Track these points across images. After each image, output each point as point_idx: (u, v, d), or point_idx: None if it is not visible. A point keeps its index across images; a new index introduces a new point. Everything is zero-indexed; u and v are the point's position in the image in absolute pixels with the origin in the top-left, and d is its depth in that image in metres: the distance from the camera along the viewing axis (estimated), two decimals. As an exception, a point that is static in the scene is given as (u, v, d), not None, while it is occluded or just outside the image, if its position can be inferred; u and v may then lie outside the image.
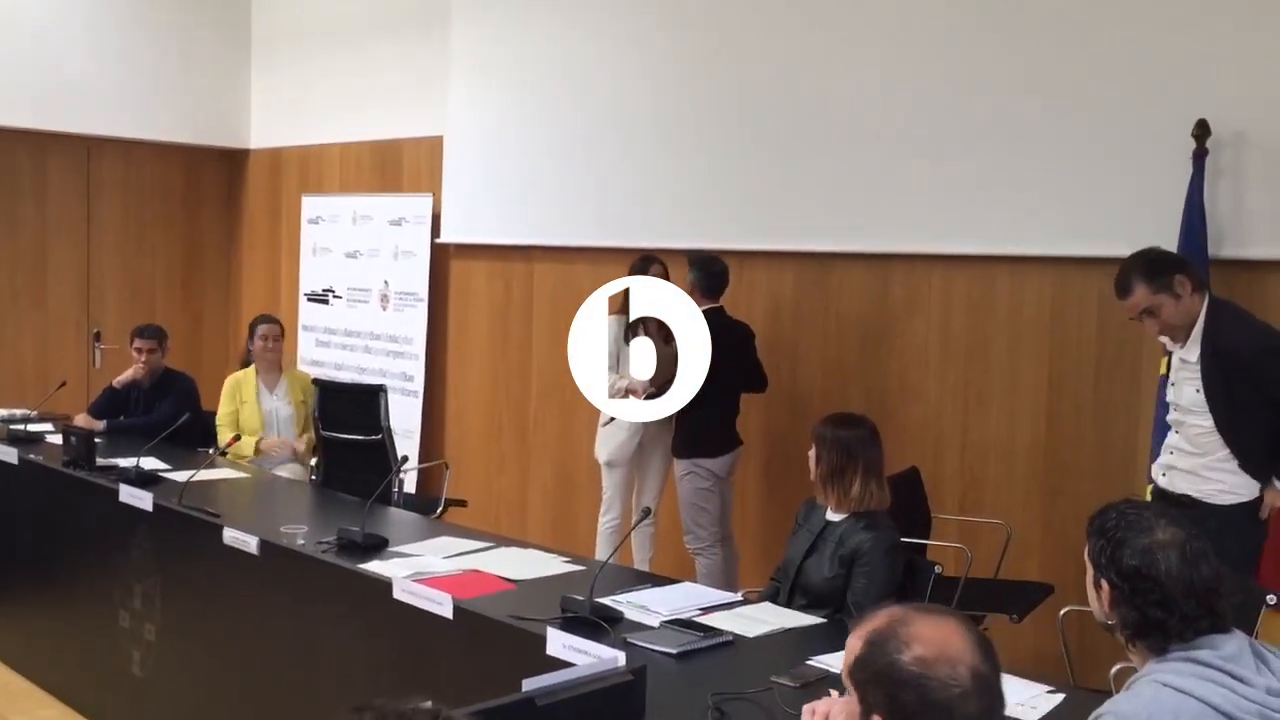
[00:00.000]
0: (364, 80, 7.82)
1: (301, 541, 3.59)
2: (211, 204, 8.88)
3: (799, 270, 5.60)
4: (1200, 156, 4.30)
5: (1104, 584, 2.03)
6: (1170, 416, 3.78)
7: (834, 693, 1.99)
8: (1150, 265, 3.61)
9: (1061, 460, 4.83)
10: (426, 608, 2.97)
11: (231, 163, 8.88)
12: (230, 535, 3.61)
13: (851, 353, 5.42)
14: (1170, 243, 4.28)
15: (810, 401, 5.52)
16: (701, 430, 5.15)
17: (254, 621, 3.60)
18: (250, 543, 3.54)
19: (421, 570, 3.45)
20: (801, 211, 5.51)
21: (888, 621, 1.62)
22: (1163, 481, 3.76)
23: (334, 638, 3.32)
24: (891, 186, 5.19)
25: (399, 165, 7.72)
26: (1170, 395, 3.75)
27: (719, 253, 5.35)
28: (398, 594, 3.05)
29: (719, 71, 5.82)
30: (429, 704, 1.42)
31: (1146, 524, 2.02)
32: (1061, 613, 3.70)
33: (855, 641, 1.64)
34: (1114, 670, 3.07)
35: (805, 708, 1.82)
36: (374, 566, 3.44)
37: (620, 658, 2.50)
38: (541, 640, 2.71)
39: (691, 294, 5.19)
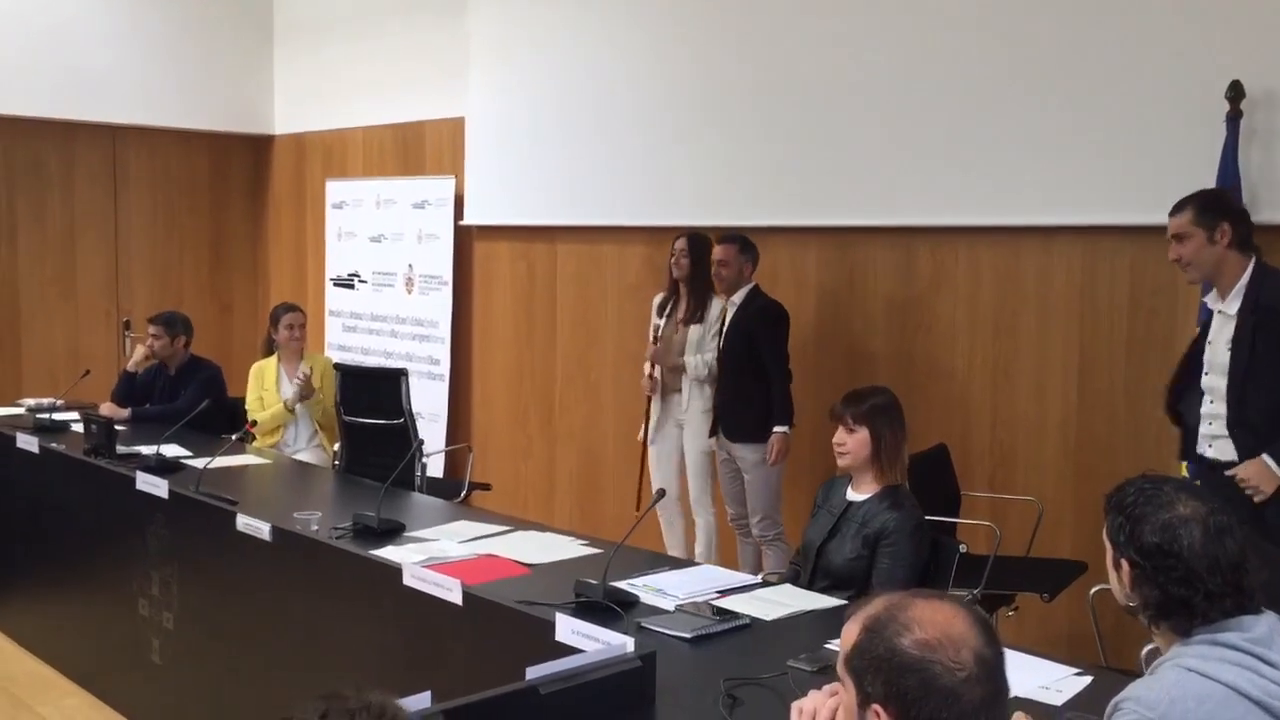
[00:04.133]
0: (385, 63, 7.78)
1: (315, 528, 3.55)
2: (237, 190, 8.88)
3: (821, 246, 5.49)
4: (1234, 119, 4.15)
5: (1124, 563, 1.94)
6: (1205, 381, 3.67)
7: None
8: (1207, 200, 3.66)
9: (1094, 436, 4.71)
10: (436, 594, 2.92)
11: (256, 149, 8.88)
12: (243, 522, 3.58)
13: (877, 329, 5.31)
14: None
15: (835, 380, 5.41)
16: (790, 404, 5.03)
17: (268, 608, 3.57)
18: (263, 529, 3.50)
19: (435, 555, 3.41)
20: (823, 186, 5.40)
21: (885, 607, 1.54)
22: (1211, 453, 3.62)
23: (346, 624, 3.28)
24: (915, 158, 5.07)
25: (421, 148, 7.67)
26: (1206, 355, 3.66)
27: (742, 229, 5.26)
28: (408, 580, 3.01)
29: (738, 46, 5.72)
30: (378, 698, 1.42)
31: (1166, 499, 1.92)
32: (1092, 591, 3.60)
33: (852, 629, 1.56)
34: (1144, 651, 2.97)
35: (793, 706, 1.74)
36: (387, 552, 3.40)
37: (629, 644, 2.44)
38: (551, 626, 2.65)
39: (746, 274, 5.09)
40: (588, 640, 2.55)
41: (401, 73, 7.68)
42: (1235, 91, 4.15)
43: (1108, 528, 1.97)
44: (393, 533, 3.70)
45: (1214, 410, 3.62)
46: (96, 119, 8.03)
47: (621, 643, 2.45)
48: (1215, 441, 3.62)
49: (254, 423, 5.24)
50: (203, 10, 8.42)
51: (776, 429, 4.93)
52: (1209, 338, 3.68)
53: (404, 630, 3.08)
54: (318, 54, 8.35)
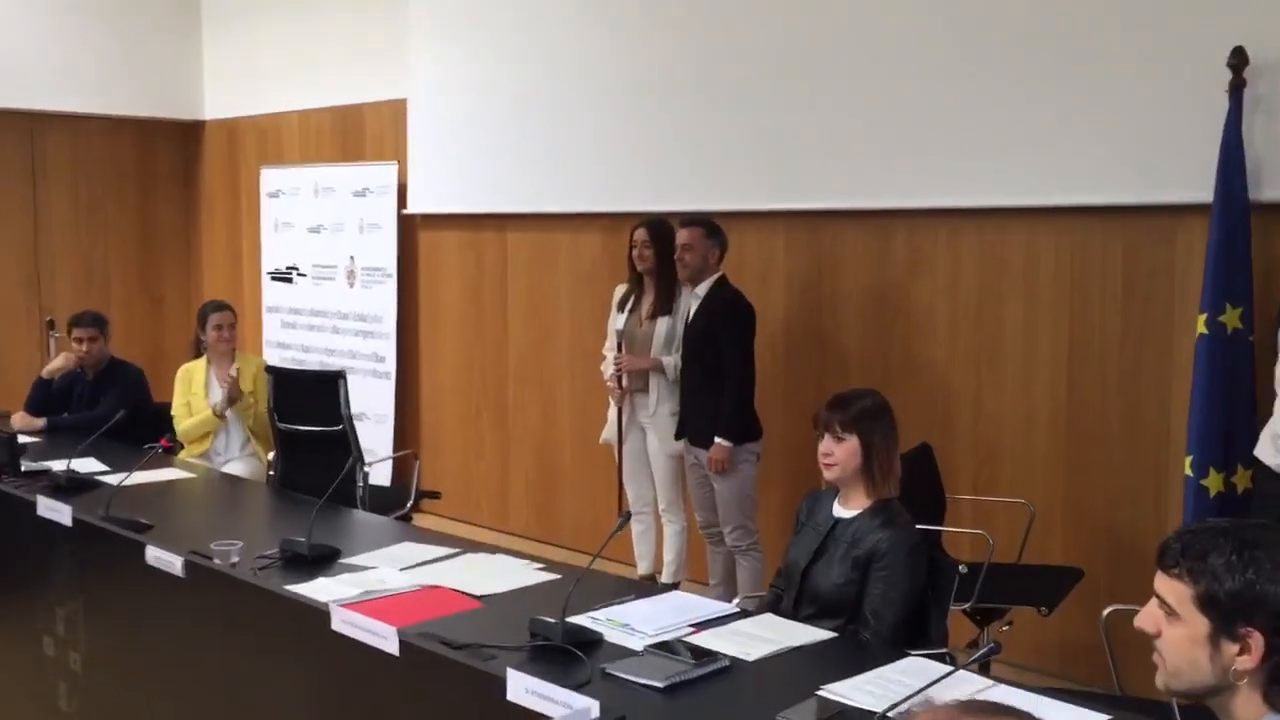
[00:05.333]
0: (321, 42, 7.34)
1: (235, 560, 3.14)
2: (166, 180, 8.41)
3: (790, 231, 5.14)
4: (1238, 89, 3.85)
5: (1252, 633, 1.57)
6: None
7: None
8: None
9: (1085, 431, 4.40)
10: (369, 642, 2.53)
11: (186, 135, 8.40)
12: (153, 555, 3.16)
13: (850, 320, 4.97)
14: (1206, 186, 3.86)
15: (806, 375, 5.08)
16: (749, 410, 4.66)
17: (183, 652, 3.16)
18: (175, 564, 3.09)
19: (372, 589, 3.05)
20: (791, 167, 5.05)
21: None
22: None
23: (270, 672, 2.88)
24: (890, 135, 4.73)
25: (361, 132, 7.25)
26: None
27: (703, 214, 4.89)
28: (336, 625, 2.62)
29: (695, 19, 5.35)
30: None
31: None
32: (1105, 612, 3.27)
33: None
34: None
35: None
36: (317, 586, 3.02)
37: (594, 708, 2.07)
38: (502, 682, 2.27)
39: (711, 261, 4.70)
40: (545, 702, 2.17)
41: (338, 52, 7.24)
42: (1238, 59, 3.85)
43: (1201, 595, 1.58)
44: (325, 560, 3.33)
45: None
46: (12, 105, 7.56)
47: (585, 707, 2.09)
48: None
49: (170, 437, 4.82)
50: (126, -11, 7.94)
51: (719, 440, 4.57)
52: None
53: (335, 680, 2.69)
54: (249, 34, 7.89)
